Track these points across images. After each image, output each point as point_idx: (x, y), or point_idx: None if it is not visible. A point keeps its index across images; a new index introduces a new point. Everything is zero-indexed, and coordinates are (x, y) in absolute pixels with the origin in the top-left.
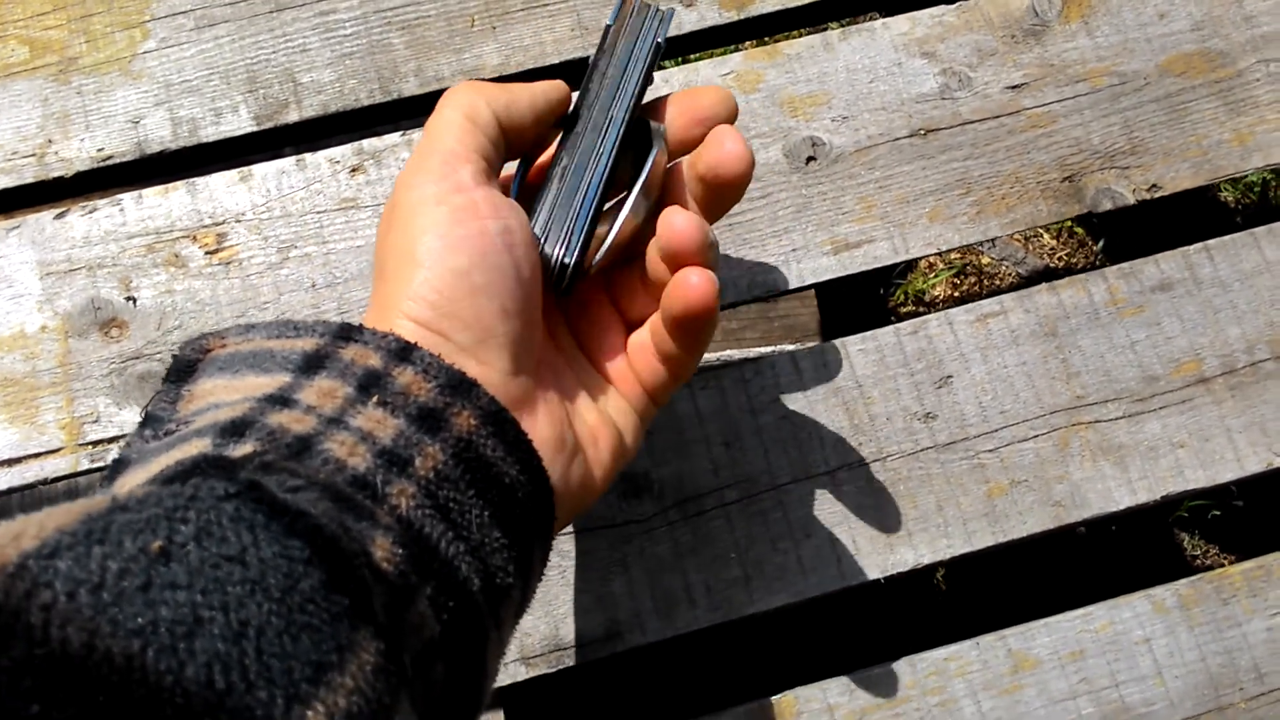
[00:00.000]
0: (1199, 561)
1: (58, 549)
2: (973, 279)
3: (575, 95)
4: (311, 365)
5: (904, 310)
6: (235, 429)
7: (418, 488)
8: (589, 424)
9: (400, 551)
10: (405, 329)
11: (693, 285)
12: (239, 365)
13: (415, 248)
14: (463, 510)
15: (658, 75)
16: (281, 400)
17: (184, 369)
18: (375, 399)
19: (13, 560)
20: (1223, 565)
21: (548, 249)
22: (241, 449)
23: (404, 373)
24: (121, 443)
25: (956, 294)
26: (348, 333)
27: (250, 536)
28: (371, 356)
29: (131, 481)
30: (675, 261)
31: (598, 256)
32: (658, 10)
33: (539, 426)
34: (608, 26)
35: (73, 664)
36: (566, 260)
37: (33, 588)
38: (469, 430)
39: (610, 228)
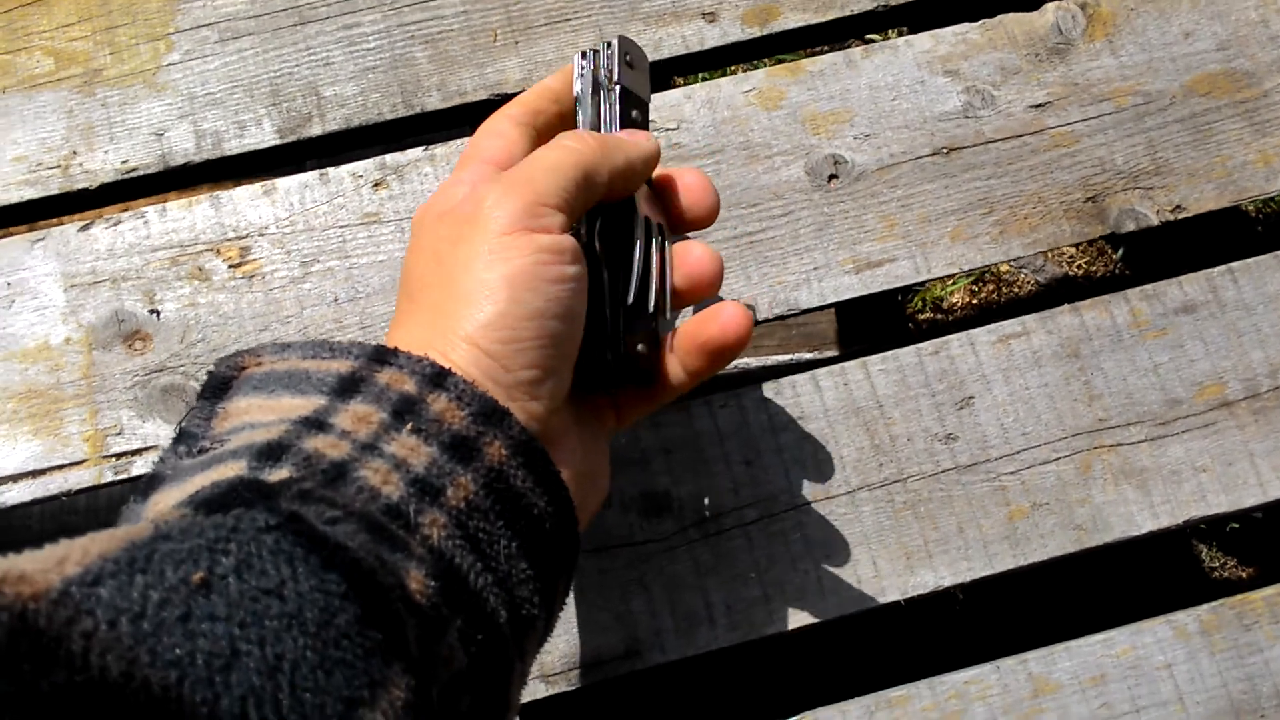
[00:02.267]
0: (1217, 574)
1: (100, 576)
2: (991, 286)
3: None
4: (347, 388)
5: (922, 317)
6: (271, 452)
7: (449, 518)
8: (596, 449)
9: (433, 584)
10: (463, 352)
11: (729, 317)
12: (274, 385)
13: (494, 276)
14: (492, 541)
15: (682, 88)
16: (317, 424)
17: (219, 386)
18: (409, 426)
19: (56, 586)
20: (1241, 578)
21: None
22: (278, 473)
23: (438, 399)
24: (155, 457)
25: (975, 301)
26: (383, 355)
27: (289, 570)
28: (406, 381)
29: (166, 500)
30: (696, 293)
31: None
32: (606, 46)
33: (568, 458)
34: (575, 96)
35: (111, 692)
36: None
37: (75, 615)
38: (500, 460)
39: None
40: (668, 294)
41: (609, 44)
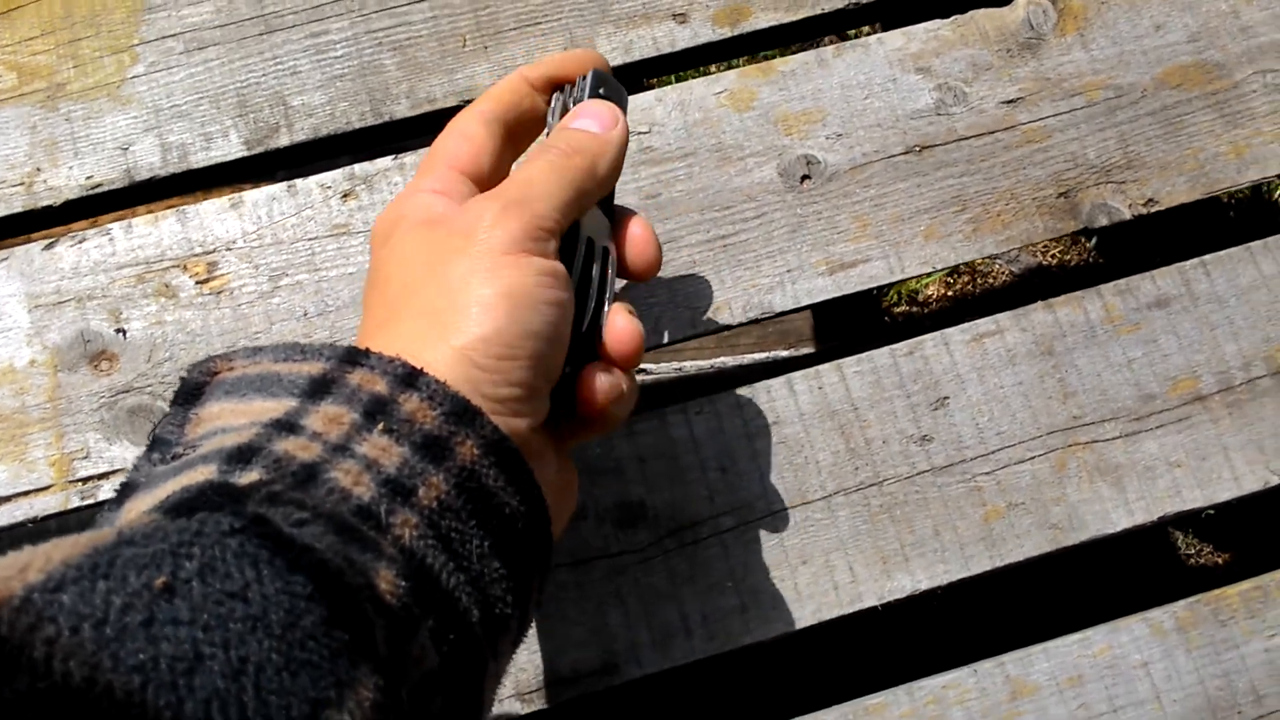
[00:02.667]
0: (1193, 561)
1: (63, 583)
2: (966, 278)
3: None
4: (318, 390)
5: (898, 311)
6: (241, 455)
7: (420, 518)
8: (567, 463)
9: (403, 584)
10: (452, 363)
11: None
12: (246, 389)
13: (492, 292)
14: (464, 540)
15: (652, 94)
16: (288, 426)
17: (191, 392)
18: (381, 426)
19: (18, 593)
20: (1217, 564)
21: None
22: (248, 476)
23: (409, 399)
24: (123, 479)
25: (950, 293)
26: (354, 357)
27: (254, 573)
28: (378, 382)
29: (138, 506)
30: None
31: None
32: (583, 79)
33: (544, 470)
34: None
35: (74, 698)
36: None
37: (37, 621)
38: (472, 460)
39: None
40: (604, 317)
41: (584, 77)
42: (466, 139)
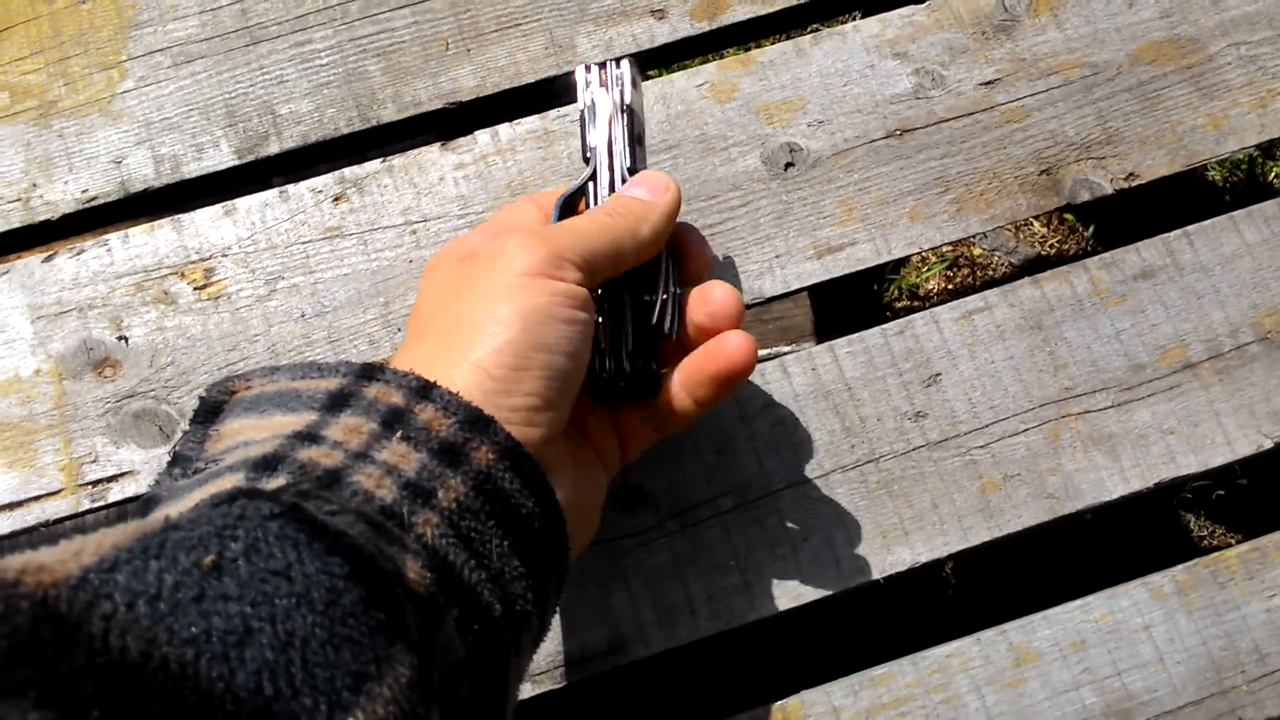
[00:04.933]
0: (1206, 542)
1: (116, 563)
2: (965, 271)
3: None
4: (336, 403)
5: (899, 305)
6: (267, 464)
7: (441, 518)
8: (590, 487)
9: (429, 575)
10: (468, 374)
11: (735, 345)
12: (265, 405)
13: (508, 309)
14: (484, 540)
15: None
16: (310, 437)
17: (210, 410)
18: (399, 434)
19: (74, 574)
20: (1230, 544)
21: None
22: (274, 482)
23: (425, 409)
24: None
25: (950, 286)
26: (370, 372)
27: (295, 554)
28: (394, 394)
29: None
30: (718, 329)
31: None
32: (615, 65)
33: (560, 485)
34: (581, 110)
35: (131, 671)
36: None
37: (94, 599)
38: (488, 464)
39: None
40: (678, 323)
41: (617, 62)
42: (515, 208)
